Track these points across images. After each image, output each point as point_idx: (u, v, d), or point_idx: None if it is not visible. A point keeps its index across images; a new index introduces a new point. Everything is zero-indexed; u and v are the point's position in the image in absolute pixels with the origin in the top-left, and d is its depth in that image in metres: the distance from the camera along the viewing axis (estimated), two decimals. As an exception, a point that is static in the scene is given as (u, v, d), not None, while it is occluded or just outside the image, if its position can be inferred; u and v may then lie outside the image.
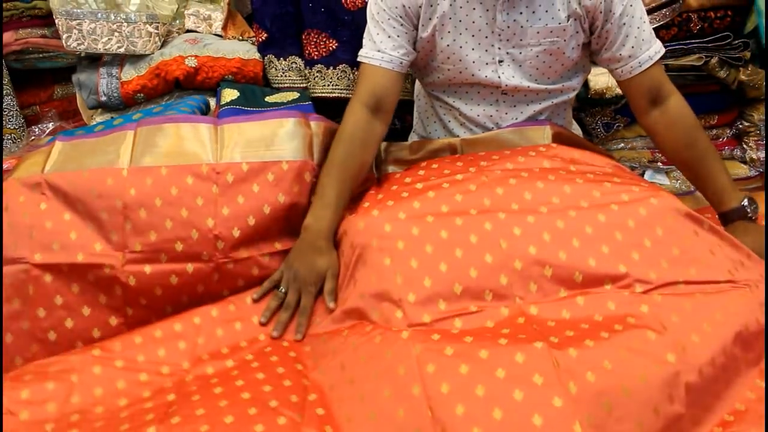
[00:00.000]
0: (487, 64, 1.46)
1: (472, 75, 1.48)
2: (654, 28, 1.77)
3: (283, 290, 1.25)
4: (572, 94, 1.55)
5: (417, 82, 1.72)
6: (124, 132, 1.35)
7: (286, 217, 1.32)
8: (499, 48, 1.45)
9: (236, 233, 1.27)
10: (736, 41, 1.87)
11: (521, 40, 1.43)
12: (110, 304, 1.24)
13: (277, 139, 1.34)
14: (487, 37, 1.44)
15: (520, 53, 1.45)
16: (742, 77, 1.91)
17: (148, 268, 1.25)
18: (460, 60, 1.46)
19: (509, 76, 1.47)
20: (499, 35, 1.43)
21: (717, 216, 1.43)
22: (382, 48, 1.43)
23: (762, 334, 1.10)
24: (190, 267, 1.26)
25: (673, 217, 1.22)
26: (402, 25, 1.43)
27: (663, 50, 1.45)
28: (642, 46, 1.43)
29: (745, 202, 1.39)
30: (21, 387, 1.07)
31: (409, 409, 0.97)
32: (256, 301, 1.26)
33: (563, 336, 1.04)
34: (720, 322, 1.07)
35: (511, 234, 1.19)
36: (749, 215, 1.38)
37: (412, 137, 1.74)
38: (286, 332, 1.22)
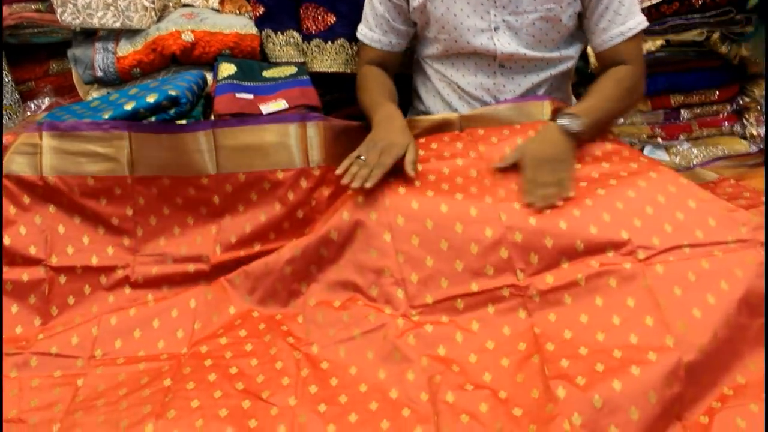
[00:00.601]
0: (482, 31, 1.46)
1: (468, 43, 1.48)
2: (656, 3, 1.75)
3: (363, 156, 1.27)
4: (570, 64, 1.55)
5: (415, 56, 1.71)
6: (112, 132, 1.35)
7: (281, 224, 1.35)
8: (495, 15, 1.45)
9: (233, 239, 1.34)
10: (739, 16, 1.85)
11: (517, 7, 1.43)
12: (117, 304, 1.30)
13: (273, 148, 1.37)
14: (482, 4, 1.44)
15: (517, 20, 1.45)
16: (744, 52, 1.89)
17: (155, 269, 1.32)
18: (455, 28, 1.46)
19: (505, 44, 1.46)
20: (495, 2, 1.43)
21: None
22: (372, 27, 1.53)
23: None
24: (191, 267, 1.33)
25: (675, 186, 1.21)
26: (391, 0, 1.49)
27: (640, 26, 1.44)
28: (616, 20, 1.42)
29: (569, 119, 1.31)
30: (30, 396, 1.13)
31: (416, 410, 1.03)
32: (338, 174, 1.27)
33: (560, 339, 1.07)
34: (725, 291, 1.06)
35: (510, 207, 1.19)
36: (565, 124, 1.31)
37: (411, 112, 1.73)
38: (288, 312, 1.26)
